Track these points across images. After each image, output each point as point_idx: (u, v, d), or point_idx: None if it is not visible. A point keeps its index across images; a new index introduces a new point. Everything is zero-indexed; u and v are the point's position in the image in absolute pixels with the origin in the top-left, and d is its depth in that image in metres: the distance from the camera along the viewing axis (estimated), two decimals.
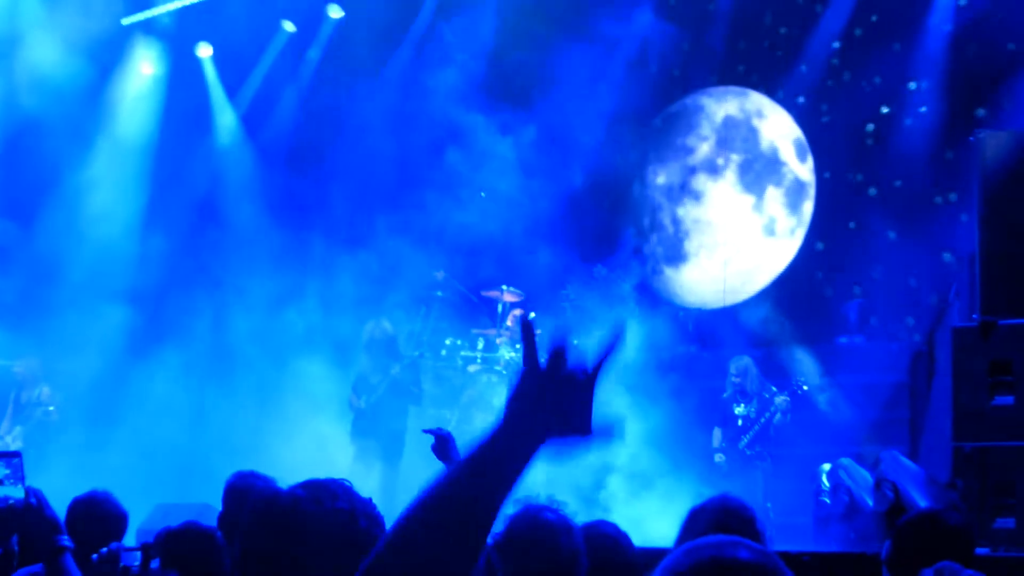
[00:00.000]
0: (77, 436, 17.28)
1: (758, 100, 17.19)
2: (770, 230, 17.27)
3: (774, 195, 17.21)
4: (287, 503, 3.10)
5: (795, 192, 17.19)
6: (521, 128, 18.26)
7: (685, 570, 2.64)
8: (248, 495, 6.86)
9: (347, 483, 3.21)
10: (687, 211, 18.04)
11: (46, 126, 18.31)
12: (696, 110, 17.55)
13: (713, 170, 17.68)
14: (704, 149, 17.66)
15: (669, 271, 17.81)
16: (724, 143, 17.62)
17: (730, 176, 17.47)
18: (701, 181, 17.75)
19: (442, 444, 7.05)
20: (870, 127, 17.57)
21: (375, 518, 3.16)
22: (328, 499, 3.12)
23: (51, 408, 17.23)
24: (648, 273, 18.13)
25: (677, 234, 17.84)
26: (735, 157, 17.45)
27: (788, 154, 17.09)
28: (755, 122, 17.17)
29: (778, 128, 17.15)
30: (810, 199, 17.08)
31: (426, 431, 7.33)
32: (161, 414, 17.59)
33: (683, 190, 18.20)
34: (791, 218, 17.14)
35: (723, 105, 17.45)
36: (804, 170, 16.99)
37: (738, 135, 17.40)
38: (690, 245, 17.91)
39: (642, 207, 18.33)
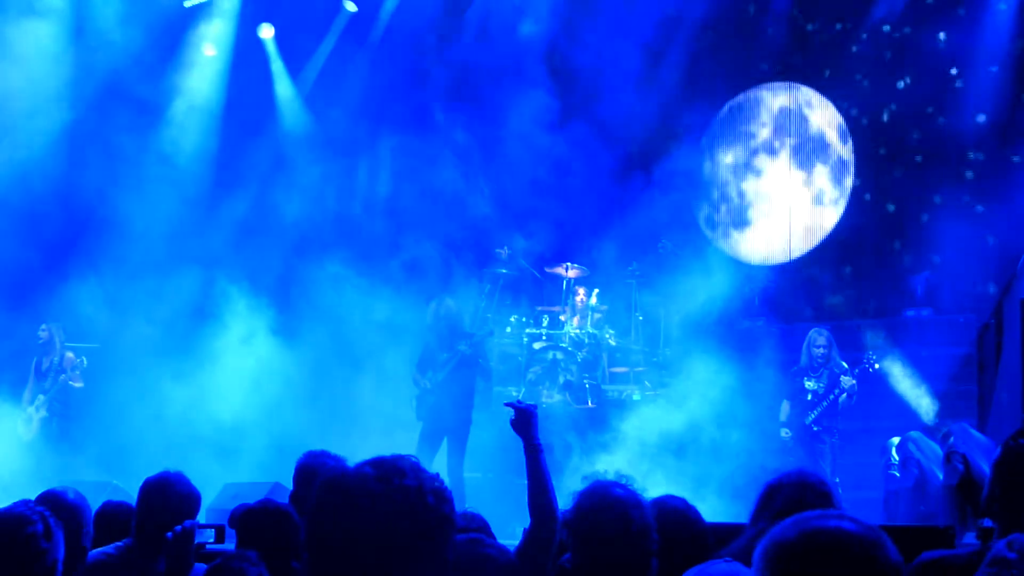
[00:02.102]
0: (133, 405, 17.28)
1: (808, 93, 19.05)
2: (819, 200, 19.03)
3: (821, 171, 19.03)
4: (354, 481, 3.08)
5: (838, 169, 18.94)
6: (589, 109, 18.32)
7: (793, 539, 2.71)
8: (317, 474, 6.87)
9: (414, 460, 3.20)
10: (750, 185, 19.73)
11: (112, 108, 18.42)
12: (756, 102, 19.42)
13: (771, 151, 19.54)
14: (763, 134, 19.55)
15: (735, 234, 19.45)
16: (780, 129, 19.50)
17: (785, 156, 19.32)
18: (761, 160, 19.58)
19: (523, 418, 6.58)
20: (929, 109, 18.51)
21: (443, 494, 3.14)
22: (396, 476, 3.09)
23: (78, 370, 17.02)
24: (718, 236, 19.58)
25: (742, 204, 19.54)
26: (789, 140, 19.27)
27: (832, 138, 18.91)
28: (805, 111, 19.06)
29: (824, 116, 18.99)
30: (851, 175, 18.80)
31: (508, 404, 6.85)
32: (223, 388, 17.33)
33: (746, 167, 19.84)
34: (835, 191, 18.88)
35: (778, 97, 19.33)
36: (846, 151, 18.78)
37: (791, 122, 19.21)
38: (752, 213, 19.55)
39: (712, 182, 19.86)
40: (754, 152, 19.66)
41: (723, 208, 19.82)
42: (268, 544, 5.98)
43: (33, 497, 5.19)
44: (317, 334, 17.90)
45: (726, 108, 19.88)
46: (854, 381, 14.83)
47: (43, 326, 17.26)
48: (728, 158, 19.85)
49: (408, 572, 3.05)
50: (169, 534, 5.67)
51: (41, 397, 16.99)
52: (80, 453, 16.77)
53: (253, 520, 6.36)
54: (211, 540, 6.09)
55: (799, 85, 19.38)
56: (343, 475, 3.13)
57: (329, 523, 3.08)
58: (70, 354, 17.18)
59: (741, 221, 19.63)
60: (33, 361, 17.23)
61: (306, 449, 7.55)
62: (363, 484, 3.08)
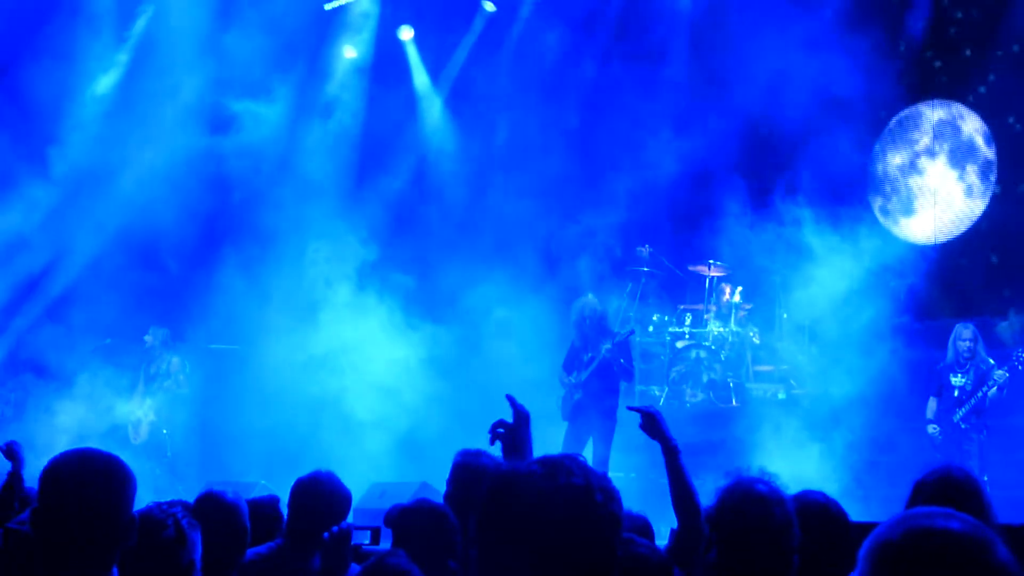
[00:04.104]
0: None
1: (959, 108, 21.11)
2: (969, 192, 20.67)
3: (972, 170, 20.79)
4: (523, 479, 3.07)
5: (985, 167, 20.63)
6: (736, 109, 18.19)
7: (897, 539, 2.64)
8: (475, 473, 6.87)
9: (581, 458, 3.19)
10: (914, 181, 21.34)
11: (255, 111, 18.68)
12: (918, 115, 21.56)
13: (931, 154, 21.39)
14: (924, 140, 21.52)
15: (904, 220, 21.13)
16: (938, 136, 21.37)
17: (942, 157, 21.19)
18: (923, 161, 21.44)
19: (650, 421, 6.58)
20: None
21: (611, 492, 3.11)
22: (563, 474, 3.07)
23: (183, 375, 17.35)
24: (889, 224, 20.84)
25: (909, 196, 21.33)
26: (945, 145, 21.20)
27: (980, 142, 20.76)
28: (958, 122, 21.15)
29: (972, 125, 20.91)
30: (995, 172, 20.46)
31: (631, 408, 6.95)
32: (355, 383, 17.44)
33: (912, 167, 21.48)
34: (983, 185, 20.55)
35: (936, 111, 21.39)
36: (990, 152, 20.57)
37: (946, 131, 21.22)
38: (917, 204, 21.18)
39: (884, 180, 21.43)
40: (917, 155, 21.34)
41: (894, 199, 21.38)
42: (425, 543, 5.98)
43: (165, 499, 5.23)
44: (454, 330, 17.98)
45: (893, 121, 21.40)
46: (1006, 372, 14.62)
47: (149, 331, 17.64)
48: (896, 160, 21.57)
49: (577, 570, 3.04)
50: (326, 534, 5.71)
51: (149, 401, 17.31)
52: (204, 457, 17.08)
53: (410, 520, 6.35)
54: (366, 541, 6.12)
55: (951, 102, 21.03)
56: (511, 473, 3.13)
57: (499, 521, 3.07)
58: (175, 360, 17.46)
59: (908, 210, 21.19)
60: (142, 366, 17.54)
61: (446, 447, 7.56)
62: (531, 482, 3.07)
